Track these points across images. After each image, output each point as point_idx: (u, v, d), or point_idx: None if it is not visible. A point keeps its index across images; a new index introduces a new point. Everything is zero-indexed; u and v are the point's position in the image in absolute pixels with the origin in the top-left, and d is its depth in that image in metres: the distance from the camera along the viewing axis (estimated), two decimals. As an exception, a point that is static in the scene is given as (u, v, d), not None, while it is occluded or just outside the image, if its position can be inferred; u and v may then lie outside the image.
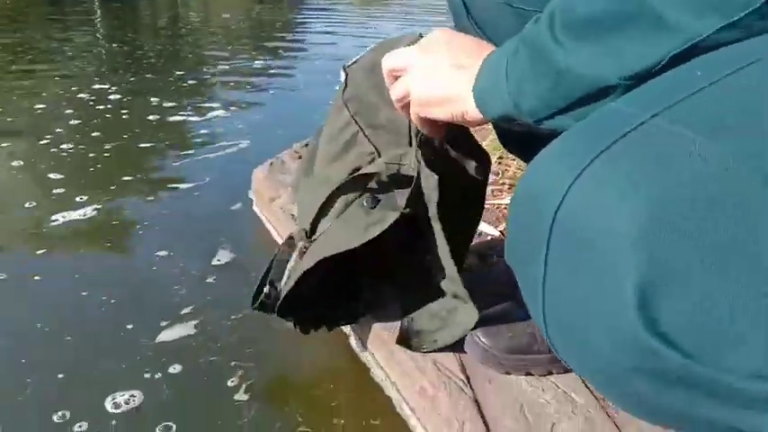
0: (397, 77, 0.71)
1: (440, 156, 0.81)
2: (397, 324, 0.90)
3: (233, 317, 1.07)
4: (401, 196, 0.82)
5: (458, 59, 0.62)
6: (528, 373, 0.81)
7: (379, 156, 0.85)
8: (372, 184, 0.85)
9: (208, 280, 1.20)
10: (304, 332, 0.94)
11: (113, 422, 0.83)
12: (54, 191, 1.62)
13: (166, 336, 1.03)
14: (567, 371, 0.82)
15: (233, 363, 0.96)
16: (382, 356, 0.92)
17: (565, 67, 0.45)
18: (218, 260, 1.28)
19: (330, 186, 0.86)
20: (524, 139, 0.74)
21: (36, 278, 1.20)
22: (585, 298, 0.34)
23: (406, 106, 0.70)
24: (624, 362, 0.34)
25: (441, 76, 0.63)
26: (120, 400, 0.87)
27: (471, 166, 0.89)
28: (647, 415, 0.39)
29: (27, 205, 1.52)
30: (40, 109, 2.40)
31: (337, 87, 0.93)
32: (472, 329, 0.83)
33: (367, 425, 0.84)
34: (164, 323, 1.06)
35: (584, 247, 0.34)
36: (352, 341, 0.99)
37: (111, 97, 2.61)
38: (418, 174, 0.80)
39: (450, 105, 0.62)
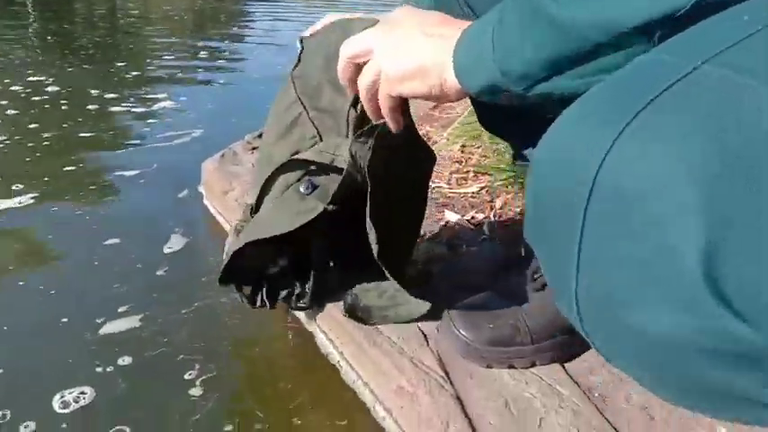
0: (358, 65, 0.65)
1: (384, 148, 0.75)
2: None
3: (183, 310, 0.99)
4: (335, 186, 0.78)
5: (431, 29, 0.57)
6: (510, 366, 0.77)
7: (321, 140, 0.82)
8: (313, 168, 0.82)
9: (156, 272, 1.12)
10: (251, 304, 0.89)
11: (63, 425, 0.75)
12: None
13: (111, 328, 0.95)
14: (551, 361, 0.78)
15: (184, 356, 0.89)
16: (351, 353, 0.85)
17: (568, 17, 0.41)
18: (169, 248, 1.22)
19: (272, 166, 0.84)
20: (507, 115, 0.70)
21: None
22: (636, 268, 0.30)
23: (375, 95, 0.65)
24: (687, 337, 0.29)
25: (415, 46, 0.58)
26: (69, 398, 0.80)
27: (416, 159, 0.87)
28: (706, 403, 0.34)
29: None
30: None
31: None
32: (453, 323, 0.78)
33: (332, 425, 0.78)
34: (106, 316, 0.97)
35: (631, 211, 0.29)
36: (317, 337, 0.93)
37: (49, 89, 2.46)
38: (348, 170, 0.75)
39: (427, 77, 0.57)
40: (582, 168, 0.31)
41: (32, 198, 1.41)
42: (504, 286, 0.86)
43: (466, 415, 0.70)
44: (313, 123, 0.82)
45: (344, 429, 0.77)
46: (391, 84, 0.62)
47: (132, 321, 0.96)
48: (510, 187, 1.25)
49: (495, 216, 1.20)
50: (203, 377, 0.85)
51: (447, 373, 0.76)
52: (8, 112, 2.12)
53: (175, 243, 1.24)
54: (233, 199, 1.31)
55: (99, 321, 0.96)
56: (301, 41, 0.85)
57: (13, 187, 1.46)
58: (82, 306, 1.00)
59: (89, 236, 1.25)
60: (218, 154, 1.55)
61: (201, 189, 1.49)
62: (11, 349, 0.90)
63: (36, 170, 1.60)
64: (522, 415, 0.70)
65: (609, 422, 0.69)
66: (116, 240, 1.23)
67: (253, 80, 2.90)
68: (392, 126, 0.68)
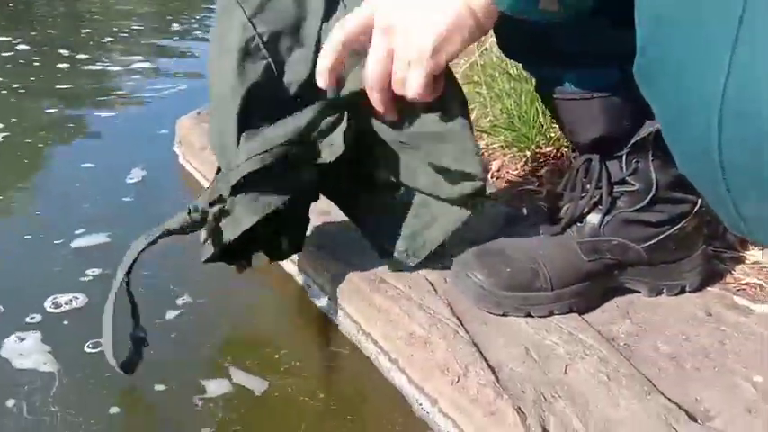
0: (357, 51, 0.61)
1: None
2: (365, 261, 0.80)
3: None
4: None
5: None
6: (527, 315, 0.71)
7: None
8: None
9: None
10: (239, 270, 0.80)
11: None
12: None
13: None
14: (569, 311, 0.72)
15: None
16: (349, 302, 0.79)
17: None
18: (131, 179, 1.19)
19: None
20: (532, 40, 0.64)
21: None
22: None
23: (388, 85, 0.60)
24: None
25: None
26: (62, 300, 0.82)
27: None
28: None
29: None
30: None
31: None
32: (467, 266, 0.72)
33: (328, 382, 0.71)
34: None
35: None
36: (311, 293, 0.86)
37: (19, 47, 2.37)
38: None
39: (461, 23, 0.54)
40: None
41: (8, 132, 1.46)
42: (516, 234, 0.80)
43: (486, 361, 0.64)
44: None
45: (347, 386, 0.70)
46: (423, 59, 0.56)
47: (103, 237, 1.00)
48: (507, 149, 1.20)
49: (492, 178, 1.15)
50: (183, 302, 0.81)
51: (461, 321, 0.70)
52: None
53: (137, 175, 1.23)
54: (210, 154, 1.22)
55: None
56: None
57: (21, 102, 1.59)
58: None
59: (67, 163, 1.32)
60: (193, 111, 1.46)
61: (176, 149, 1.40)
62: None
63: (17, 112, 1.61)
64: (545, 362, 0.65)
65: (638, 370, 0.64)
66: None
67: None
68: (428, 98, 0.62)
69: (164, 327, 0.78)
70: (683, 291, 0.77)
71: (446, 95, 0.66)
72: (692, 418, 0.58)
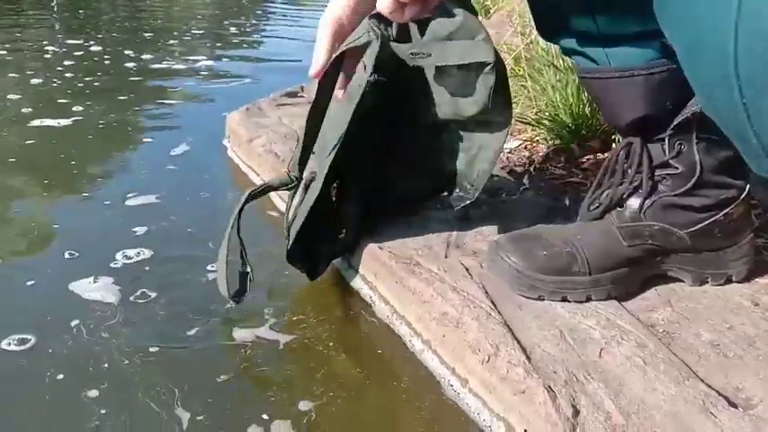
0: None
1: None
2: (399, 245, 0.82)
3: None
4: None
5: None
6: (564, 299, 0.70)
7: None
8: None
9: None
10: (311, 278, 0.84)
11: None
12: (54, 100, 1.79)
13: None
14: (607, 297, 0.71)
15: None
16: (385, 284, 0.79)
17: None
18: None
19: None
20: (571, 20, 0.64)
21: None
22: None
23: None
24: None
25: None
26: (131, 253, 0.92)
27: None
28: None
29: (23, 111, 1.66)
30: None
31: None
32: (502, 250, 0.72)
33: (364, 364, 0.71)
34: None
35: None
36: (344, 271, 0.87)
37: (91, 49, 2.56)
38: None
39: None
40: None
41: (89, 116, 1.65)
42: (556, 224, 0.79)
43: (518, 341, 0.63)
44: None
45: (378, 367, 0.71)
46: None
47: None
48: (551, 142, 1.18)
49: (534, 170, 1.14)
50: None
51: (494, 304, 0.70)
52: (59, 67, 2.22)
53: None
54: (259, 146, 1.25)
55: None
56: None
57: (74, 108, 1.70)
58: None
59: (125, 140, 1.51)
60: (242, 107, 1.50)
61: (225, 142, 1.44)
62: (73, 220, 1.05)
63: (92, 100, 1.80)
64: (579, 345, 0.63)
65: (677, 356, 0.62)
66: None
67: (291, 52, 2.88)
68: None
69: (205, 285, 0.85)
70: (729, 280, 0.74)
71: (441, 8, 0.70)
72: (733, 405, 0.56)
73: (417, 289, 0.74)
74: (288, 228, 0.78)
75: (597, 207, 0.73)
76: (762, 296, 0.72)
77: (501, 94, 0.75)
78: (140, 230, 0.99)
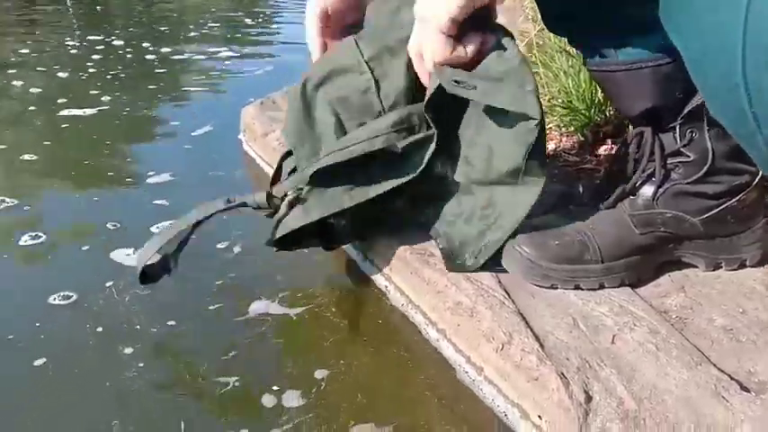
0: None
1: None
2: (415, 237, 0.82)
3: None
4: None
5: None
6: (576, 287, 0.71)
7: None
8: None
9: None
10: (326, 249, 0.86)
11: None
12: (81, 91, 1.87)
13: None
14: (620, 284, 0.72)
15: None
16: (400, 274, 0.80)
17: None
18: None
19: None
20: (576, 12, 0.64)
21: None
22: None
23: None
24: None
25: None
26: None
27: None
28: None
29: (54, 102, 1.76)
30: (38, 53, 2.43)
31: None
32: (515, 241, 0.72)
33: (381, 353, 0.73)
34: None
35: None
36: (360, 263, 0.89)
37: (114, 43, 2.62)
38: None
39: None
40: None
41: (118, 103, 1.76)
42: (567, 211, 0.80)
43: (531, 329, 0.65)
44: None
45: (395, 354, 0.72)
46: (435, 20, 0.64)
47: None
48: (564, 128, 1.18)
49: (547, 157, 1.14)
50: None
51: (508, 293, 0.71)
52: (88, 62, 2.28)
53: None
54: (274, 139, 1.27)
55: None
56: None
57: (103, 98, 1.80)
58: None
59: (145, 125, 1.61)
60: (257, 101, 1.51)
61: (241, 136, 1.46)
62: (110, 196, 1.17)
63: (119, 90, 1.90)
64: (592, 331, 0.64)
65: (690, 342, 0.63)
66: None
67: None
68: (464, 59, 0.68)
69: (221, 266, 0.90)
70: (742, 265, 0.74)
71: (496, 41, 0.69)
72: (745, 389, 0.57)
73: (432, 279, 0.75)
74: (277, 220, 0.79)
75: (609, 196, 0.74)
76: (776, 281, 0.72)
77: (538, 154, 0.69)
78: (165, 206, 1.11)
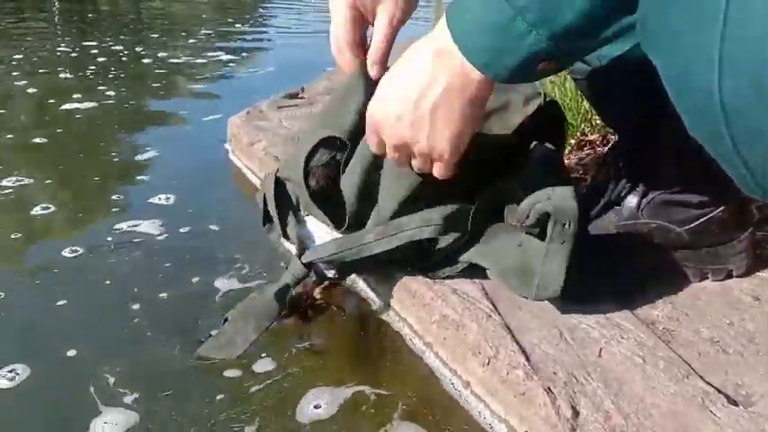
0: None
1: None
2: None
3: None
4: None
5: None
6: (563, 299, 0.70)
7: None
8: None
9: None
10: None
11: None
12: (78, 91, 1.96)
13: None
14: (613, 293, 0.71)
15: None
16: (385, 286, 0.80)
17: None
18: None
19: None
20: None
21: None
22: None
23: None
24: None
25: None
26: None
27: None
28: None
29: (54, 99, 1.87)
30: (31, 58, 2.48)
31: None
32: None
33: (365, 364, 0.72)
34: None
35: None
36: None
37: (111, 49, 2.69)
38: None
39: (470, 118, 0.56)
40: None
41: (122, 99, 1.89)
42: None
43: (518, 343, 0.64)
44: None
45: (380, 367, 0.71)
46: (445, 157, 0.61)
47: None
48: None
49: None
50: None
51: (494, 305, 0.70)
52: (89, 68, 2.34)
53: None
54: (260, 149, 1.26)
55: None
56: None
57: (109, 92, 1.95)
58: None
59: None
60: (243, 111, 1.51)
61: (227, 145, 1.45)
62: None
63: (124, 87, 2.04)
64: (579, 344, 0.64)
65: (677, 354, 0.62)
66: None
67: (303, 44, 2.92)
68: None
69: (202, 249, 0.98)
70: (729, 275, 0.74)
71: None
72: (733, 402, 0.56)
73: (419, 292, 0.74)
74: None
75: (595, 206, 0.73)
76: (762, 291, 0.72)
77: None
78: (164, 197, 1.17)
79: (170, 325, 0.77)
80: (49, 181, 1.26)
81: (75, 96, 1.87)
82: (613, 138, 1.10)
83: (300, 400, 0.65)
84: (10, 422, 0.63)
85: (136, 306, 0.82)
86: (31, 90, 1.98)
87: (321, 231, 0.80)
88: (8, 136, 1.53)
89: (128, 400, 0.65)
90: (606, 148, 1.14)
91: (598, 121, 1.13)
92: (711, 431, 0.53)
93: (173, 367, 0.70)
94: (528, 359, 0.62)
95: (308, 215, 0.82)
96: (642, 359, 0.61)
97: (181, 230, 1.04)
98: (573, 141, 1.13)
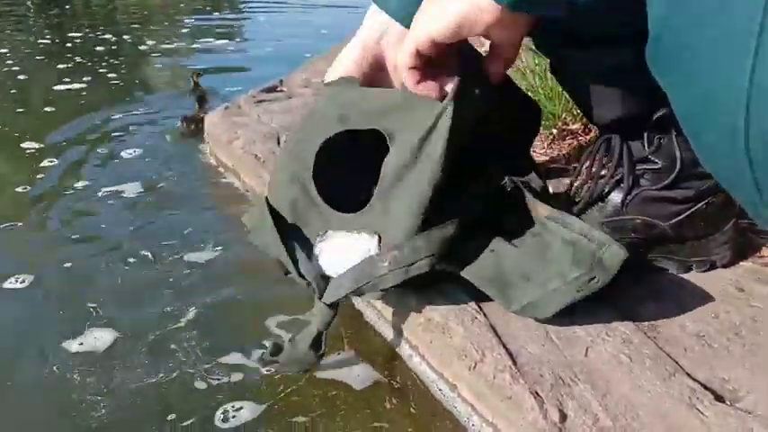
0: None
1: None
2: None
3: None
4: None
5: None
6: (549, 297, 0.70)
7: None
8: None
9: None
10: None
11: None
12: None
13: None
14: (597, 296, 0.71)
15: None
16: (376, 297, 0.78)
17: None
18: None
19: None
20: (544, 21, 0.62)
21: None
22: None
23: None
24: None
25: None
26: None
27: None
28: None
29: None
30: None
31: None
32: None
33: (354, 368, 0.71)
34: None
35: None
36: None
37: (102, 40, 2.76)
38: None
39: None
40: None
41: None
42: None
43: (504, 345, 0.63)
44: None
45: (365, 370, 0.71)
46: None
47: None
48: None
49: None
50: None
51: (480, 307, 0.70)
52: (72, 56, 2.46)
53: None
54: (238, 147, 1.24)
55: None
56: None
57: (85, 78, 2.11)
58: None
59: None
60: (221, 107, 1.48)
61: (202, 146, 1.42)
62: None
63: (131, 70, 2.24)
64: (565, 344, 0.63)
65: (663, 351, 0.62)
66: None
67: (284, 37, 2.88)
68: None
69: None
70: (713, 266, 0.74)
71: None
72: (719, 399, 0.56)
73: (401, 294, 0.73)
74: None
75: (578, 202, 0.73)
76: (746, 281, 0.72)
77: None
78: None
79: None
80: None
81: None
82: (595, 132, 1.10)
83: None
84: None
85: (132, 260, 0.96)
86: (23, 76, 2.11)
87: (333, 259, 0.69)
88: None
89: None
90: (588, 137, 1.13)
91: (579, 111, 1.12)
92: (699, 430, 0.53)
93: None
94: (514, 362, 0.61)
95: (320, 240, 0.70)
96: (629, 357, 0.61)
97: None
98: (555, 131, 1.13)
